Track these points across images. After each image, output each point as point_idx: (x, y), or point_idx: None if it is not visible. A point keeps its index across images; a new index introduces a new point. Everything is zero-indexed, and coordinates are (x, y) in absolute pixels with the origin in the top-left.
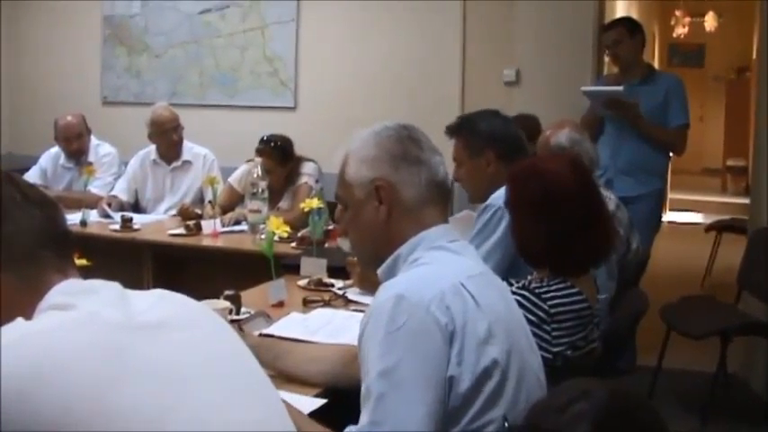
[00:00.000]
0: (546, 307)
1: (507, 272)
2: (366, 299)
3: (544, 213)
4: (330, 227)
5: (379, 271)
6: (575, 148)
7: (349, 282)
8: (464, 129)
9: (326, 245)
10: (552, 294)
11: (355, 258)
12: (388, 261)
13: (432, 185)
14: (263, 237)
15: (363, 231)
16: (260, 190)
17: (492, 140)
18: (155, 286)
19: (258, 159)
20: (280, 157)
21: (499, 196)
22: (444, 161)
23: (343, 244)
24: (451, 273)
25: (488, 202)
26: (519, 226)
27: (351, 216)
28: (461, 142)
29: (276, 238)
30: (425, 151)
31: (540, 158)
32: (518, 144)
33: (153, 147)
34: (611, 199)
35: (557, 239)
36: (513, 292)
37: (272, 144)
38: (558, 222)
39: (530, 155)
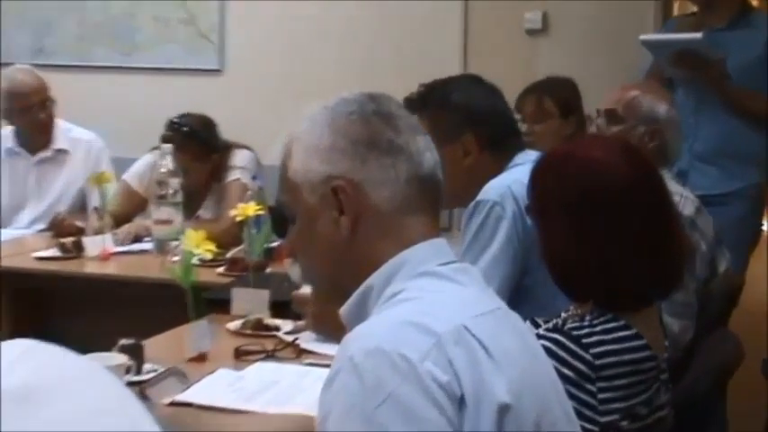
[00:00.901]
0: (589, 357)
1: (520, 294)
2: (326, 347)
3: (587, 223)
4: (274, 243)
5: (343, 311)
6: (668, 130)
7: (301, 323)
8: (431, 103)
9: (269, 270)
10: (598, 339)
11: (308, 291)
12: (355, 296)
13: (415, 183)
14: (176, 259)
15: (318, 253)
16: (171, 191)
17: (471, 119)
18: (14, 335)
19: (167, 147)
20: (197, 148)
21: (494, 187)
22: (432, 145)
23: (293, 270)
24: (450, 311)
25: (479, 197)
26: (549, 241)
27: (299, 230)
28: (427, 122)
29: (196, 260)
30: (403, 133)
31: (580, 144)
32: (508, 125)
33: (9, 129)
34: (687, 199)
35: (606, 260)
36: (541, 336)
37: (186, 131)
38: (608, 236)
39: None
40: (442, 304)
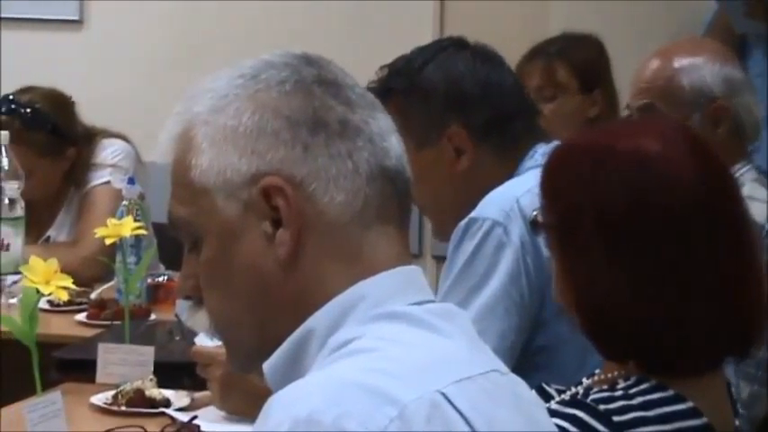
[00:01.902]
0: None
1: (528, 358)
2: (239, 429)
3: (639, 250)
4: (161, 277)
5: (268, 367)
6: (738, 102)
7: (201, 395)
8: (397, 90)
9: (153, 317)
10: (635, 416)
11: (215, 346)
12: (287, 345)
13: (378, 179)
14: (13, 302)
15: (238, 288)
16: (6, 202)
17: (455, 102)
18: None
19: (2, 135)
20: (45, 140)
21: (495, 200)
22: (394, 126)
23: (195, 318)
24: (422, 371)
25: (474, 213)
26: (577, 275)
27: (209, 258)
28: (396, 117)
29: (44, 304)
30: (359, 108)
31: (619, 131)
32: (513, 104)
33: None
34: None
35: (666, 304)
36: (554, 413)
37: (28, 114)
38: (670, 268)
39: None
40: (410, 361)
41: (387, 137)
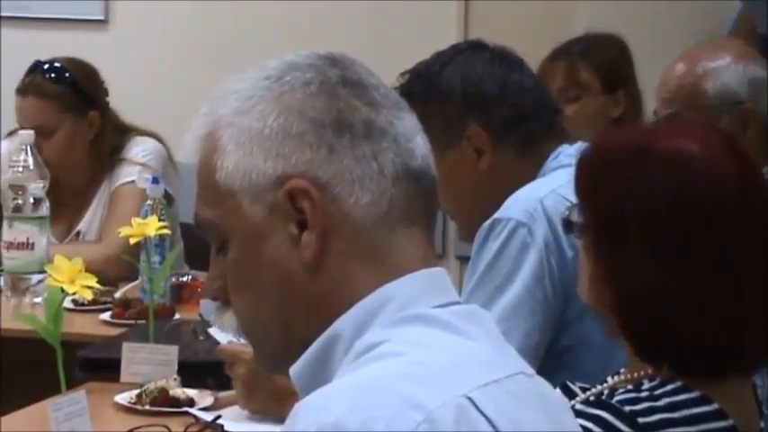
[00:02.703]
0: None
1: (552, 359)
2: (263, 428)
3: (684, 251)
4: (185, 277)
5: (294, 371)
6: (758, 100)
7: (225, 394)
8: (416, 94)
9: (177, 317)
10: (661, 418)
11: (240, 345)
12: (314, 349)
13: (404, 180)
14: (37, 301)
15: (264, 289)
16: (30, 200)
17: (473, 103)
18: None
19: (26, 135)
20: (64, 94)
21: (519, 201)
22: (419, 125)
23: (222, 319)
24: (448, 376)
25: (498, 213)
26: (615, 274)
27: (235, 259)
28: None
29: (69, 303)
30: (384, 109)
31: (656, 132)
32: (533, 104)
33: None
34: None
35: (711, 304)
36: (578, 413)
37: (47, 68)
38: (714, 269)
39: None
40: (436, 365)
41: (412, 137)
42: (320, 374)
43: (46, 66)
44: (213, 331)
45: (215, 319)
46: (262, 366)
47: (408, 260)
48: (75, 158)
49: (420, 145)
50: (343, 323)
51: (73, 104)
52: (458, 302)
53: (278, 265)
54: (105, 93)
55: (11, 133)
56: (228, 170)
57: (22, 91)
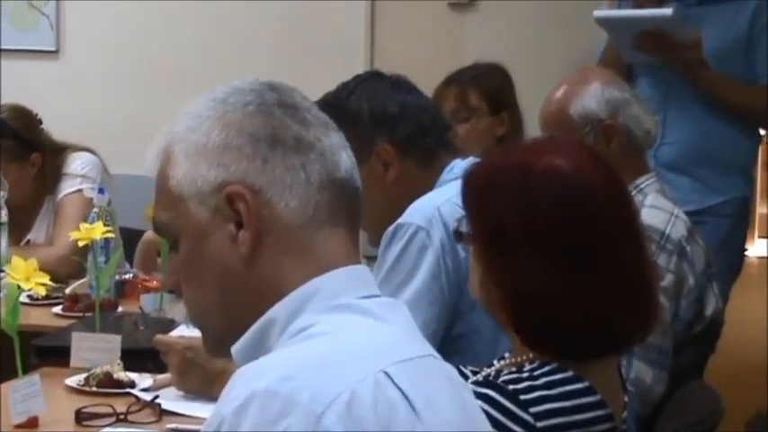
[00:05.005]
0: (528, 418)
1: (447, 345)
2: (196, 408)
3: (566, 255)
4: (127, 275)
5: (236, 351)
6: (618, 117)
7: (163, 377)
8: (329, 116)
9: (120, 310)
10: (540, 395)
11: (173, 334)
12: (252, 332)
13: (329, 188)
14: None
15: (209, 281)
16: None
17: (378, 124)
18: None
19: None
20: (8, 146)
21: (419, 208)
22: (346, 143)
23: (176, 309)
24: (369, 353)
25: (401, 219)
26: (503, 276)
27: (186, 256)
28: None
29: (24, 298)
30: (313, 127)
31: (532, 150)
32: (429, 122)
33: None
34: (678, 219)
35: (589, 299)
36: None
37: None
38: (590, 269)
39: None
40: (358, 344)
41: (337, 152)
42: (258, 353)
43: None
44: (180, 329)
45: (168, 308)
46: (207, 349)
47: (334, 257)
48: (22, 192)
49: (345, 159)
50: (277, 310)
51: (17, 154)
52: (378, 295)
53: (219, 260)
54: (40, 126)
55: None
56: (179, 178)
57: None
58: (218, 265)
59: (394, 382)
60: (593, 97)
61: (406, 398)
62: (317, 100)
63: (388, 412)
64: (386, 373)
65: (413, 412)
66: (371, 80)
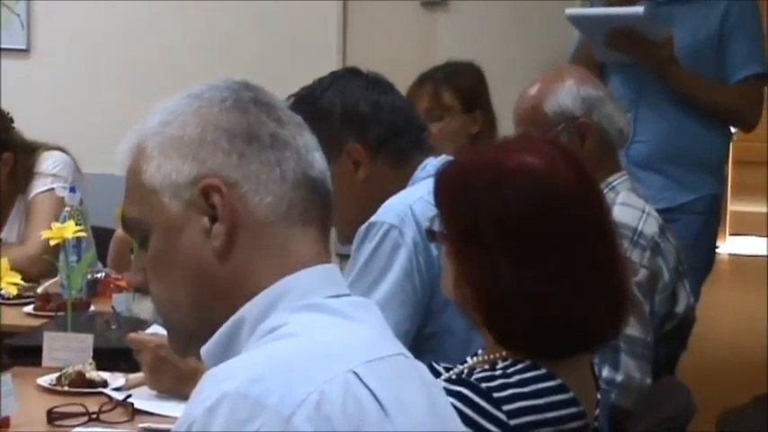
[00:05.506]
0: (501, 416)
1: (420, 343)
2: (168, 407)
3: (537, 252)
4: (99, 273)
5: (205, 351)
6: (592, 115)
7: (136, 376)
8: (302, 113)
9: (92, 309)
10: (513, 392)
11: (146, 332)
12: (222, 332)
13: (303, 187)
14: None
15: (180, 276)
16: None
17: (349, 123)
18: None
19: None
20: None
21: (392, 207)
22: (318, 145)
23: (142, 305)
24: (338, 353)
25: (373, 218)
26: (475, 275)
27: (155, 251)
28: None
29: None
30: (288, 126)
31: (504, 148)
32: (402, 122)
33: None
34: (650, 216)
35: (560, 297)
36: (444, 390)
37: None
38: (562, 267)
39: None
40: (327, 345)
41: (311, 152)
42: (228, 353)
43: None
44: (153, 327)
45: (134, 305)
46: (174, 348)
47: (305, 256)
48: None
49: (318, 159)
50: (247, 309)
51: None
52: (348, 294)
53: (193, 253)
54: (11, 125)
55: None
56: (152, 171)
57: None
58: (191, 260)
59: (363, 382)
60: (569, 95)
61: (376, 398)
62: (292, 94)
63: (357, 412)
64: (355, 373)
65: (382, 412)
66: (347, 78)
